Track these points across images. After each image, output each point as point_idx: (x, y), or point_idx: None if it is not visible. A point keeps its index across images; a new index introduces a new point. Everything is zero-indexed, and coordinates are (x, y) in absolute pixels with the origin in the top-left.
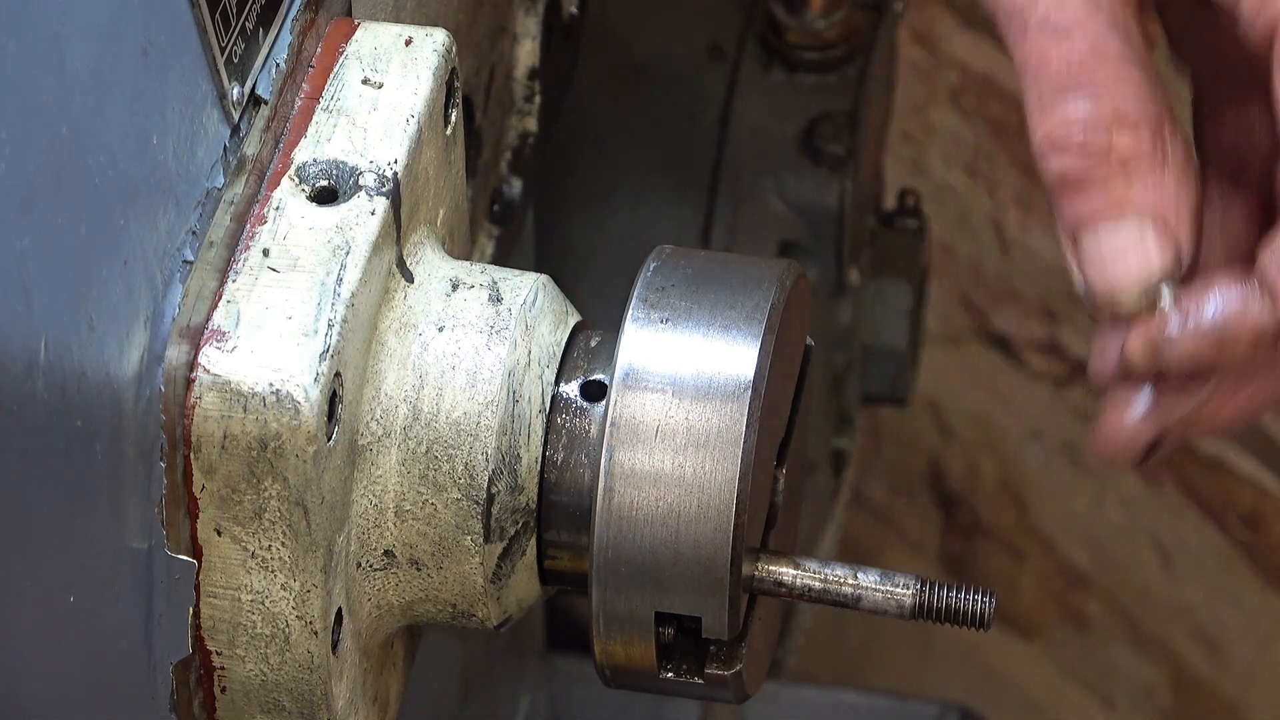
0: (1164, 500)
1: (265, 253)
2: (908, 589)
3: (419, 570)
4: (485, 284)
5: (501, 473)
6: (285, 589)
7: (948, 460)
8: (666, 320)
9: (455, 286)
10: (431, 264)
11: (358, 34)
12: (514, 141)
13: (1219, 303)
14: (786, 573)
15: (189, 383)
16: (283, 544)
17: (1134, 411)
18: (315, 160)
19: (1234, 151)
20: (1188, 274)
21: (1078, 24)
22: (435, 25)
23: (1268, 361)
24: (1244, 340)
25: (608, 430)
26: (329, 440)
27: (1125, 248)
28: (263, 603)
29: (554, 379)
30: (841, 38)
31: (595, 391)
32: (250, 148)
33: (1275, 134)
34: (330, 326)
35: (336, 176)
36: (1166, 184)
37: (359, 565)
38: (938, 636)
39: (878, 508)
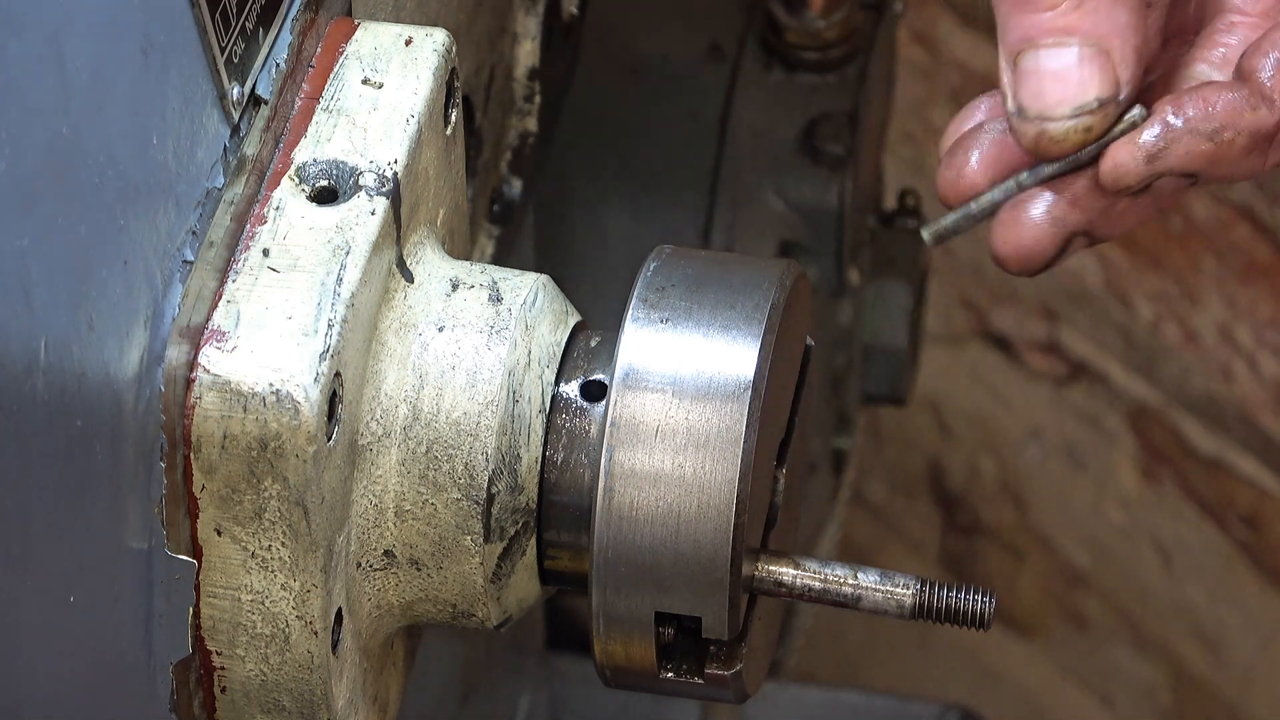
0: (1164, 500)
1: (265, 253)
2: (908, 589)
3: (419, 570)
4: (485, 284)
5: (501, 473)
6: (285, 589)
7: (948, 460)
8: (666, 320)
9: (455, 286)
10: (431, 264)
11: (358, 34)
12: (514, 141)
13: (1212, 104)
14: (786, 573)
15: (189, 383)
16: (283, 544)
17: (1042, 213)
18: (315, 160)
19: None
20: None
21: None
22: (435, 25)
23: (1256, 164)
24: (1242, 138)
25: (608, 430)
26: (329, 440)
27: (1065, 70)
28: (263, 603)
29: (554, 379)
30: (841, 38)
31: (595, 391)
32: (250, 148)
33: None
34: (330, 326)
35: (336, 176)
36: (1118, 15)
37: (359, 565)
38: (937, 636)
39: (878, 508)
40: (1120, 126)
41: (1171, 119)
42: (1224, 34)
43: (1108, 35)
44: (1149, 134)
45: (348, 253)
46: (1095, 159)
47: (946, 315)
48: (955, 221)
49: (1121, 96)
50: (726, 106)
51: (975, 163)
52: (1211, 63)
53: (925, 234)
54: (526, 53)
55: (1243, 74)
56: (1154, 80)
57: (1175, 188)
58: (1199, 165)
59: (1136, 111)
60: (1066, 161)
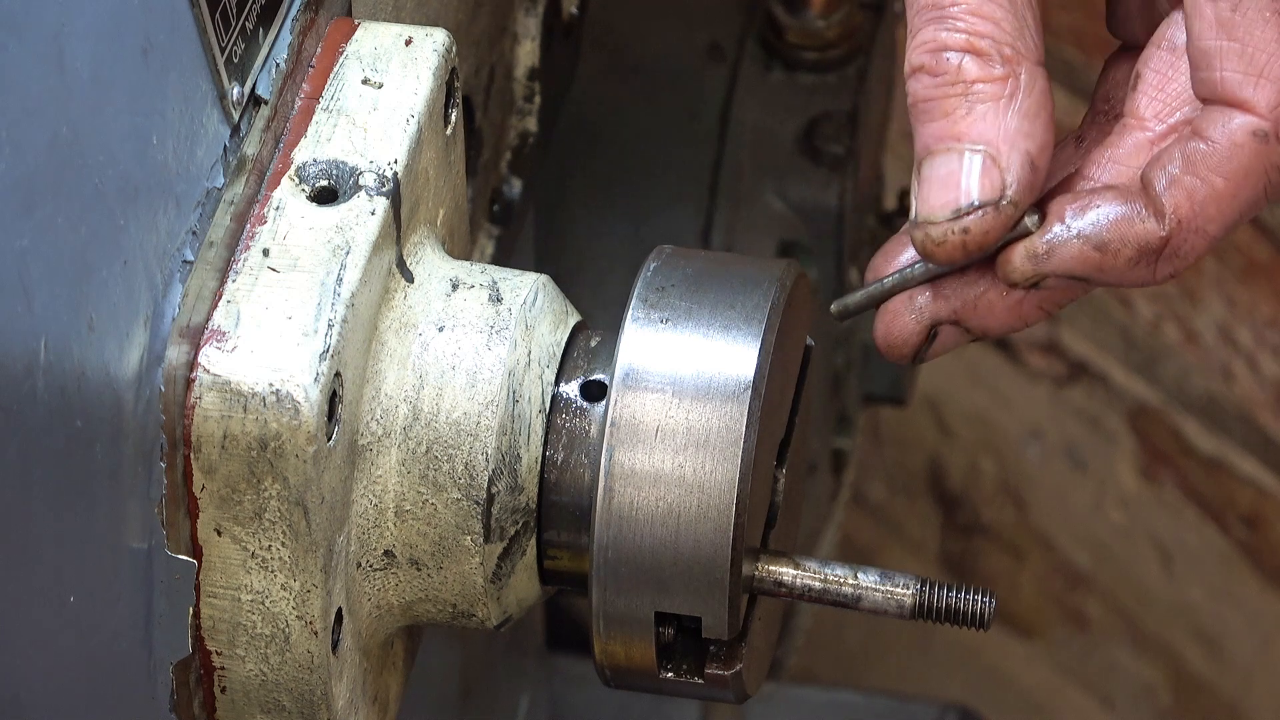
0: (1164, 500)
1: (265, 253)
2: (908, 589)
3: (419, 570)
4: (485, 284)
5: (501, 473)
6: (285, 589)
7: (948, 460)
8: (666, 320)
9: (455, 286)
10: (431, 264)
11: (358, 34)
12: (514, 141)
13: (1103, 212)
14: (786, 573)
15: (189, 383)
16: (283, 544)
17: (906, 300)
18: (315, 160)
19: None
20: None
21: None
22: (435, 25)
23: (1144, 275)
24: (1128, 250)
25: (608, 430)
26: (329, 440)
27: (949, 175)
28: (263, 603)
29: (554, 379)
30: (841, 38)
31: (595, 391)
32: (250, 148)
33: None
34: (330, 326)
35: (336, 176)
36: (1007, 119)
37: (359, 565)
38: (938, 636)
39: (878, 508)
40: (1017, 230)
41: (1062, 224)
42: (1117, 136)
43: (995, 141)
44: (1041, 237)
45: (348, 253)
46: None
47: None
48: (858, 300)
49: (1004, 201)
50: (726, 106)
51: (896, 249)
52: (1099, 163)
53: (833, 307)
54: (526, 53)
55: (1142, 184)
56: (1066, 177)
57: (1067, 289)
58: (1086, 271)
59: (1033, 217)
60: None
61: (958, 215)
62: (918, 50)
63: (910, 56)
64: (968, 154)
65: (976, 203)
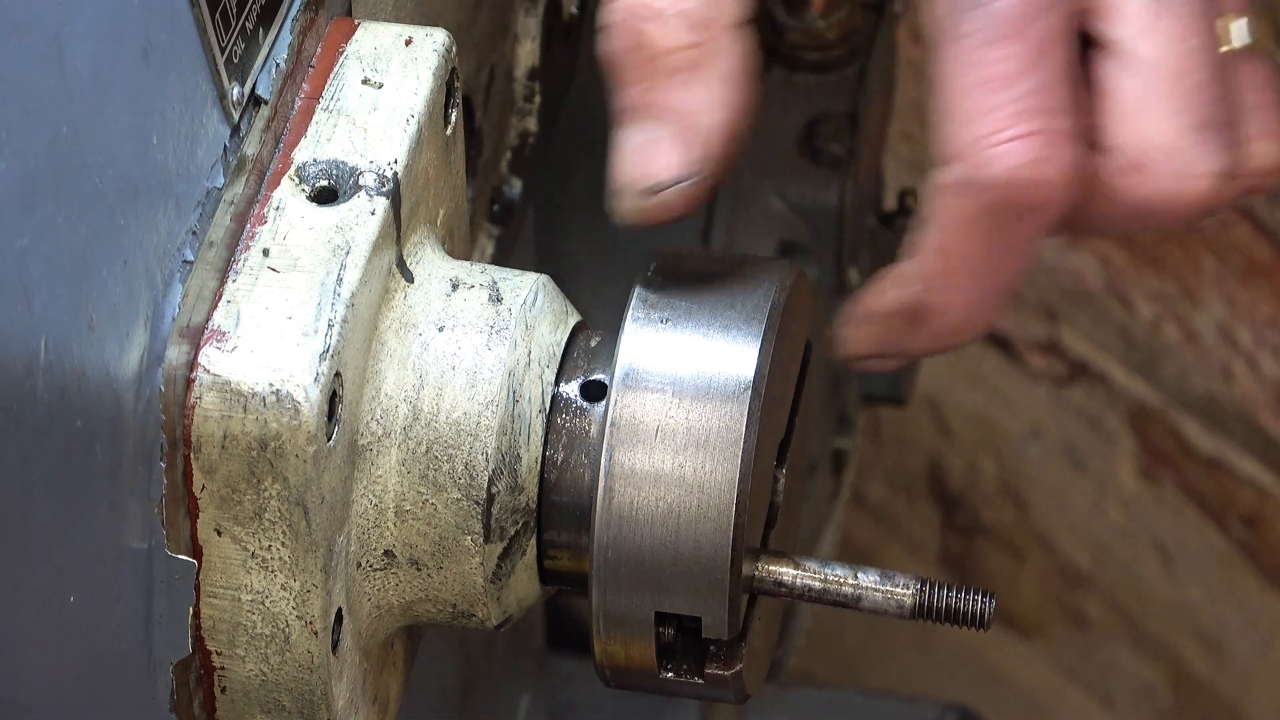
0: (1164, 500)
1: (265, 253)
2: (908, 589)
3: (419, 570)
4: (485, 284)
5: (501, 473)
6: (285, 589)
7: (948, 460)
8: (666, 320)
9: (455, 286)
10: (431, 264)
11: (358, 34)
12: (514, 141)
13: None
14: (786, 573)
15: (189, 383)
16: (283, 544)
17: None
18: (315, 160)
19: None
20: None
21: None
22: (435, 25)
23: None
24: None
25: (608, 430)
26: (329, 440)
27: (639, 147)
28: (263, 603)
29: (554, 379)
30: (841, 38)
31: (595, 391)
32: (250, 148)
33: None
34: (330, 326)
35: (336, 176)
36: (696, 90)
37: (359, 565)
38: (938, 636)
39: (878, 508)
40: None
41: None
42: None
43: (683, 109)
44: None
45: (348, 253)
46: None
47: None
48: None
49: (705, 170)
50: None
51: None
52: None
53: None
54: (526, 53)
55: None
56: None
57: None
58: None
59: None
60: None
61: (653, 189)
62: (612, 11)
63: (602, 15)
64: (658, 127)
65: (668, 177)
